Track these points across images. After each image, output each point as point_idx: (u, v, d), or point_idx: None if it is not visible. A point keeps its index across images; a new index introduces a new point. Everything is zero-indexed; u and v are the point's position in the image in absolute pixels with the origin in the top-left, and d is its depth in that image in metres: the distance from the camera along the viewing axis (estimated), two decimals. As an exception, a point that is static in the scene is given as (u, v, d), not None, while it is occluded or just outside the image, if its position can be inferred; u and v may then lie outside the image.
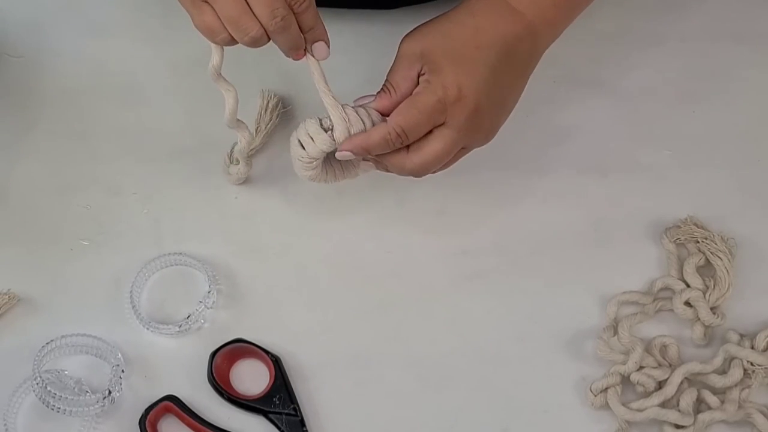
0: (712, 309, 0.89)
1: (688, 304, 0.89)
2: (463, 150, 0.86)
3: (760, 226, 0.94)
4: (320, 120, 0.84)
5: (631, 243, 0.93)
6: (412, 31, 0.84)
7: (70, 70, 1.01)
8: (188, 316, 0.89)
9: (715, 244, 0.91)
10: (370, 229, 0.94)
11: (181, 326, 0.89)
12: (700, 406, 0.86)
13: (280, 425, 0.85)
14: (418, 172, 0.84)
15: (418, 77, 0.82)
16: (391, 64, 0.84)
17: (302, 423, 0.85)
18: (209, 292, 0.90)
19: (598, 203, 0.95)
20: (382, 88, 0.84)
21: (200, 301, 0.89)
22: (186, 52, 0.97)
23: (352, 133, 0.83)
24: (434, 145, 0.83)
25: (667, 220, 0.94)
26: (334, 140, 0.83)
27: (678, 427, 0.85)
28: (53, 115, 0.99)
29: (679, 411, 0.84)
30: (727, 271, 0.90)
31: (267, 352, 0.87)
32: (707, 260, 0.91)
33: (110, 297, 0.90)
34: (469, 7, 0.83)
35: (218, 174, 0.96)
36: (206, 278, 0.90)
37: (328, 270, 0.92)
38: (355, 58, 1.01)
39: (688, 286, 0.90)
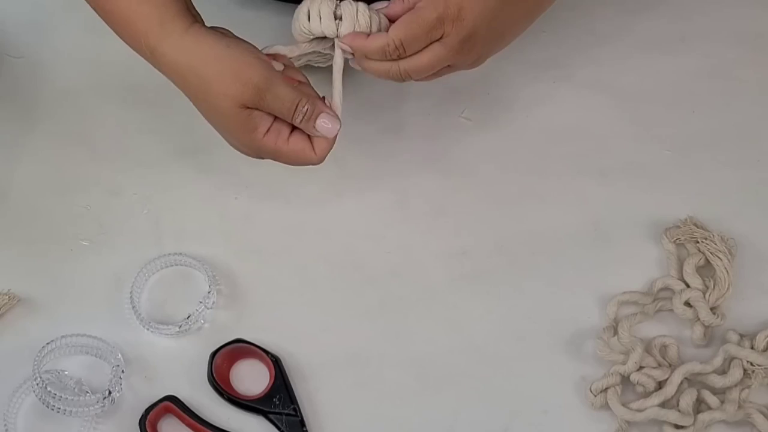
0: (712, 309, 0.89)
1: (688, 304, 0.89)
2: (450, 68, 0.85)
3: (760, 226, 0.94)
4: (336, 5, 0.84)
5: (631, 243, 0.93)
6: None
7: (70, 70, 1.01)
8: (188, 316, 0.89)
9: (715, 244, 0.90)
10: (370, 229, 0.94)
11: (181, 326, 0.89)
12: (700, 406, 0.86)
13: (280, 425, 0.85)
14: (400, 78, 0.85)
15: None
16: None
17: (302, 423, 0.85)
18: (209, 292, 0.90)
19: (598, 203, 0.95)
20: None
21: (200, 301, 0.89)
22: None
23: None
24: (422, 58, 0.83)
25: (667, 220, 0.94)
26: (338, 34, 0.84)
27: (678, 427, 0.85)
28: (53, 115, 0.99)
29: (679, 411, 0.84)
30: (727, 271, 0.90)
31: (267, 352, 0.87)
32: (707, 260, 0.91)
33: (110, 297, 0.90)
34: None
35: (218, 174, 0.96)
36: (206, 278, 0.90)
37: (328, 270, 0.92)
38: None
39: (688, 286, 0.90)
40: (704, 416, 0.84)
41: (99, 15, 0.87)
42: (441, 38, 0.82)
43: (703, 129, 0.99)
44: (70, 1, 1.04)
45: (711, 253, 0.90)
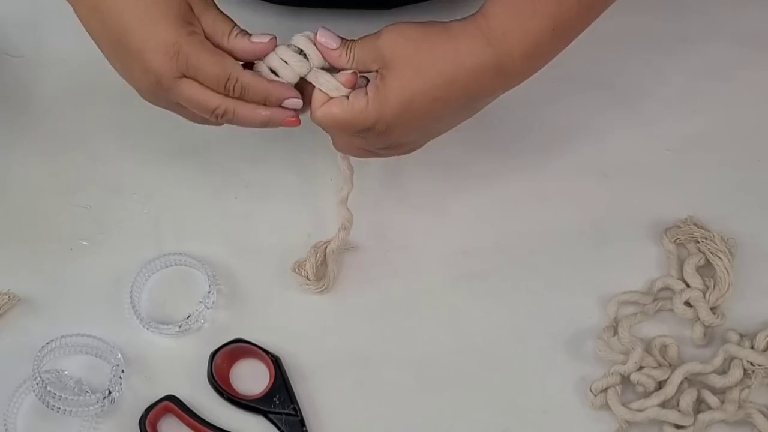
0: (712, 309, 0.89)
1: (688, 304, 0.89)
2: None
3: (760, 226, 0.94)
4: (291, 46, 0.81)
5: (631, 243, 0.93)
6: (400, 28, 0.81)
7: (70, 70, 1.01)
8: (188, 316, 0.89)
9: (715, 244, 0.91)
10: (370, 229, 0.94)
11: (181, 326, 0.89)
12: (700, 406, 0.86)
13: (280, 425, 0.85)
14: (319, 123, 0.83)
15: (376, 70, 0.80)
16: (369, 36, 0.81)
17: (302, 423, 0.85)
18: (209, 292, 0.90)
19: (598, 203, 0.95)
20: (345, 47, 0.81)
21: (200, 301, 0.89)
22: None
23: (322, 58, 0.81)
24: (339, 139, 0.84)
25: (667, 220, 0.94)
26: (310, 67, 0.81)
27: (678, 427, 0.85)
28: (53, 115, 0.99)
29: (679, 411, 0.84)
30: (727, 271, 0.90)
31: (267, 352, 0.87)
32: (707, 260, 0.91)
33: (110, 297, 0.90)
34: (457, 51, 0.78)
35: (218, 174, 0.96)
36: (206, 278, 0.90)
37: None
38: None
39: (688, 286, 0.90)
40: (704, 416, 0.84)
41: None
42: (363, 137, 0.82)
43: (703, 129, 0.99)
44: (70, 0, 1.04)
45: (711, 253, 0.90)
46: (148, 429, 0.84)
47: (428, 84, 0.78)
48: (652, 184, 0.96)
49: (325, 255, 0.91)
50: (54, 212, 0.94)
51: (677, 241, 0.92)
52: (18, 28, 1.03)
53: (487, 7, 0.79)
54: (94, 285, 0.91)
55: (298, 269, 0.91)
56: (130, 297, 0.89)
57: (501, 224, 0.94)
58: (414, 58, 0.78)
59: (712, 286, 0.89)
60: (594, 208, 0.95)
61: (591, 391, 0.86)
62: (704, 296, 0.89)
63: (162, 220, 0.94)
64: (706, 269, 0.91)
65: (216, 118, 0.81)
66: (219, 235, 0.94)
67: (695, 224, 0.92)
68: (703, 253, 0.91)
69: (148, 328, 0.89)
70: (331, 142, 0.85)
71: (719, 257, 0.90)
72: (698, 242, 0.91)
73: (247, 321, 0.90)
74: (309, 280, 0.90)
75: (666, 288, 0.91)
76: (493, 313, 0.90)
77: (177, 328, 0.89)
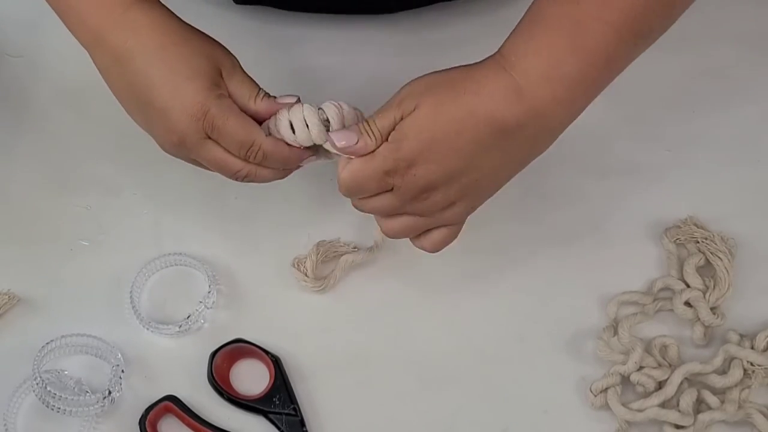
0: (712, 309, 0.89)
1: (688, 304, 0.89)
2: (427, 220, 0.83)
3: (760, 226, 0.94)
4: (318, 110, 0.81)
5: (631, 243, 0.93)
6: (423, 77, 0.79)
7: (70, 70, 1.01)
8: (188, 316, 0.89)
9: (715, 244, 0.91)
10: (370, 229, 0.94)
11: (181, 326, 0.89)
12: (700, 406, 0.86)
13: (279, 425, 0.85)
14: (357, 207, 0.83)
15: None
16: (385, 104, 0.80)
17: (302, 423, 0.85)
18: (209, 292, 0.90)
19: (598, 203, 0.95)
20: (363, 131, 0.79)
21: (200, 301, 0.89)
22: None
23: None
24: (373, 202, 0.82)
25: (667, 220, 0.94)
26: (329, 135, 0.80)
27: (678, 427, 0.85)
28: (53, 115, 0.99)
29: (679, 411, 0.84)
30: (727, 271, 0.90)
31: (267, 352, 0.87)
32: (707, 260, 0.91)
33: (110, 297, 0.90)
34: (475, 81, 0.78)
35: (218, 174, 0.95)
36: (206, 278, 0.90)
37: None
38: (355, 61, 1.01)
39: (688, 286, 0.90)
40: (704, 416, 0.84)
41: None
42: (392, 189, 0.80)
43: (703, 129, 0.99)
44: (70, 0, 1.04)
45: (711, 253, 0.90)
46: (148, 429, 0.84)
47: (448, 117, 0.77)
48: (652, 184, 0.96)
49: (338, 257, 0.91)
50: (54, 212, 0.94)
51: (677, 241, 0.92)
52: (18, 28, 1.03)
53: (502, 44, 0.79)
54: (94, 285, 0.91)
55: (297, 265, 0.91)
56: (130, 297, 0.89)
57: (501, 224, 0.94)
58: (435, 96, 0.77)
59: (712, 286, 0.89)
60: (594, 208, 0.95)
61: (591, 391, 0.86)
62: (704, 296, 0.89)
63: (162, 220, 0.94)
64: (706, 269, 0.91)
65: (237, 179, 0.82)
66: (219, 235, 0.94)
67: (695, 224, 0.92)
68: (703, 253, 0.91)
69: (148, 328, 0.89)
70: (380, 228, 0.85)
71: (719, 257, 0.90)
72: (698, 242, 0.91)
73: (247, 321, 0.90)
74: (307, 277, 0.90)
75: (666, 288, 0.91)
76: (494, 313, 0.90)
77: (177, 328, 0.89)
